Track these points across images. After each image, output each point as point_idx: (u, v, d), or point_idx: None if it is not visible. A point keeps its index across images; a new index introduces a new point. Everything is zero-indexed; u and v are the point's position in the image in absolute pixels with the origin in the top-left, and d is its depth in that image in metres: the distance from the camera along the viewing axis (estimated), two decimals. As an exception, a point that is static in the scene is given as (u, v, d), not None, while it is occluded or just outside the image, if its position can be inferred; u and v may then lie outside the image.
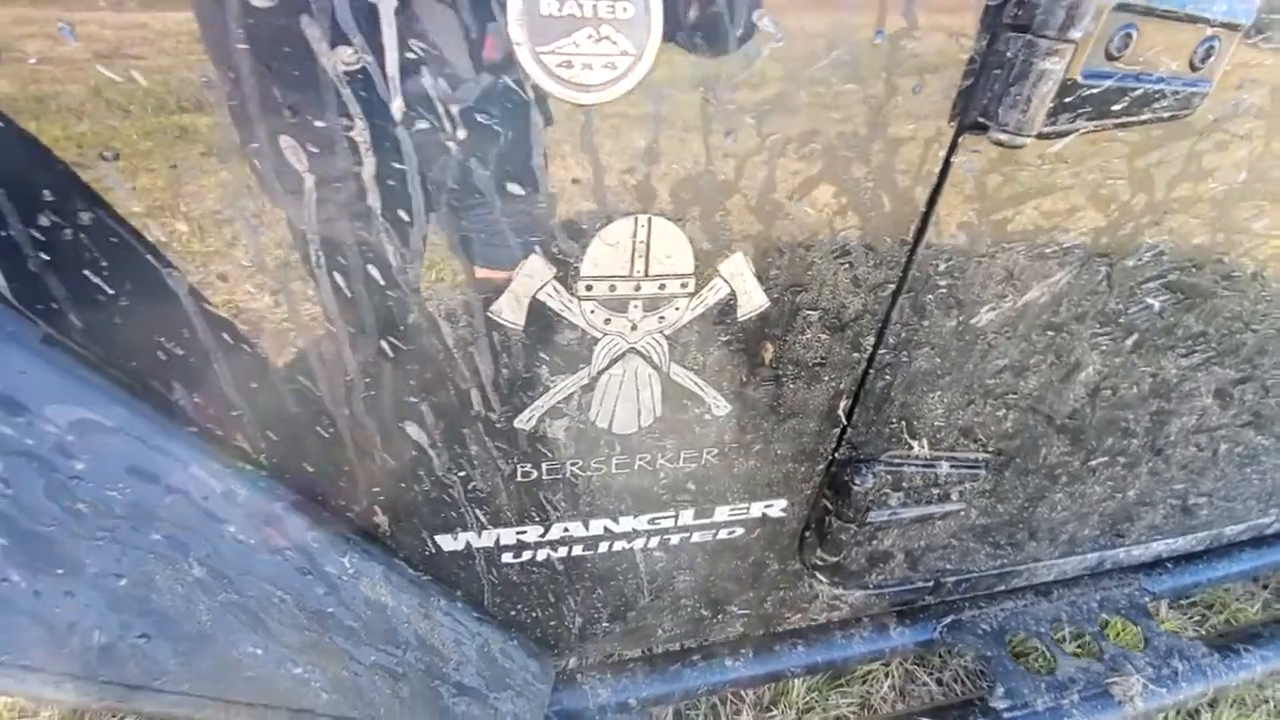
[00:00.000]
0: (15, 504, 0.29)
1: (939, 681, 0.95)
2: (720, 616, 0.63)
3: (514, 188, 0.32)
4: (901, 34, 0.32)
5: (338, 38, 0.26)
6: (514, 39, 0.27)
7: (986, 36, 0.33)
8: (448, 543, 0.47)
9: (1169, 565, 0.91)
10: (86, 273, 0.30)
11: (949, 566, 0.67)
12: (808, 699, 0.90)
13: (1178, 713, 0.91)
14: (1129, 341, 0.49)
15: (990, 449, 0.54)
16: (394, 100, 0.28)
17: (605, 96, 0.29)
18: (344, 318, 0.34)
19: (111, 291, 0.30)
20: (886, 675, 0.93)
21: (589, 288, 0.36)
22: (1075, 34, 0.30)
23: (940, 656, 0.97)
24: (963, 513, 0.58)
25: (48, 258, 0.29)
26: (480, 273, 0.34)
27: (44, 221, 0.28)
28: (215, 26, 0.26)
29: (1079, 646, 0.95)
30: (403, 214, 0.31)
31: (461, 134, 0.30)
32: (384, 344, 0.35)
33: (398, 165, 0.30)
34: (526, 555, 0.50)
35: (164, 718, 0.36)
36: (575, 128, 0.31)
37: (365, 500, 0.42)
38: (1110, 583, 0.87)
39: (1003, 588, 0.77)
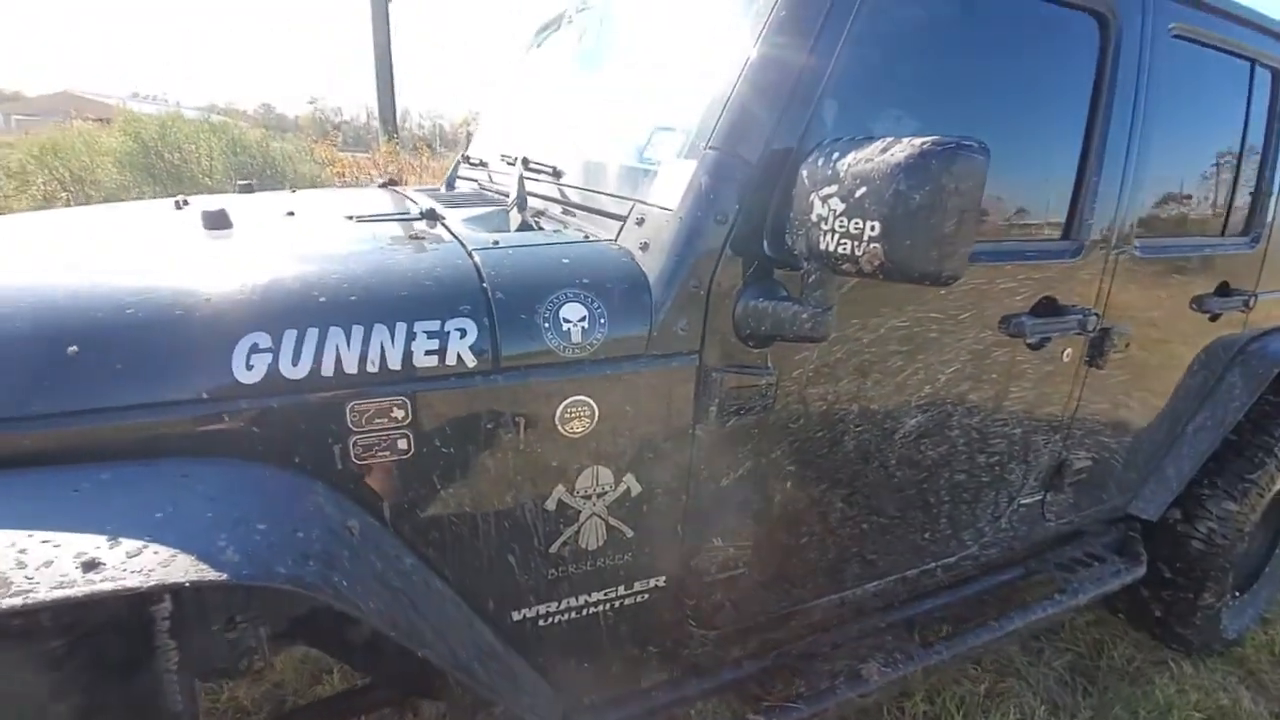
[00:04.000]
0: (352, 548, 0.86)
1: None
2: (645, 658, 1.21)
3: (554, 463, 0.97)
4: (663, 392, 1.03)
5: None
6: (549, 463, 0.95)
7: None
8: (516, 614, 1.04)
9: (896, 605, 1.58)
10: (418, 512, 0.91)
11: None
12: None
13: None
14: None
15: (753, 533, 1.20)
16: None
17: (581, 435, 0.97)
18: (498, 513, 0.96)
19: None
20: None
21: (577, 492, 1.01)
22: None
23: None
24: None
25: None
26: (540, 494, 0.98)
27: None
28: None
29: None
30: (518, 481, 0.96)
31: (525, 462, 0.96)
32: (504, 524, 0.97)
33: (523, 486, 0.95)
34: (549, 619, 1.08)
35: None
36: (571, 447, 0.98)
37: (483, 596, 1.00)
38: (874, 619, 1.53)
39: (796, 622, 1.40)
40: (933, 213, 0.81)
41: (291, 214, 1.31)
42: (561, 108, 1.69)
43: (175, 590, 0.82)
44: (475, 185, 1.88)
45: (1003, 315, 1.32)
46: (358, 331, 0.83)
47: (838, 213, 0.88)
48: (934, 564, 1.53)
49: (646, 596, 1.14)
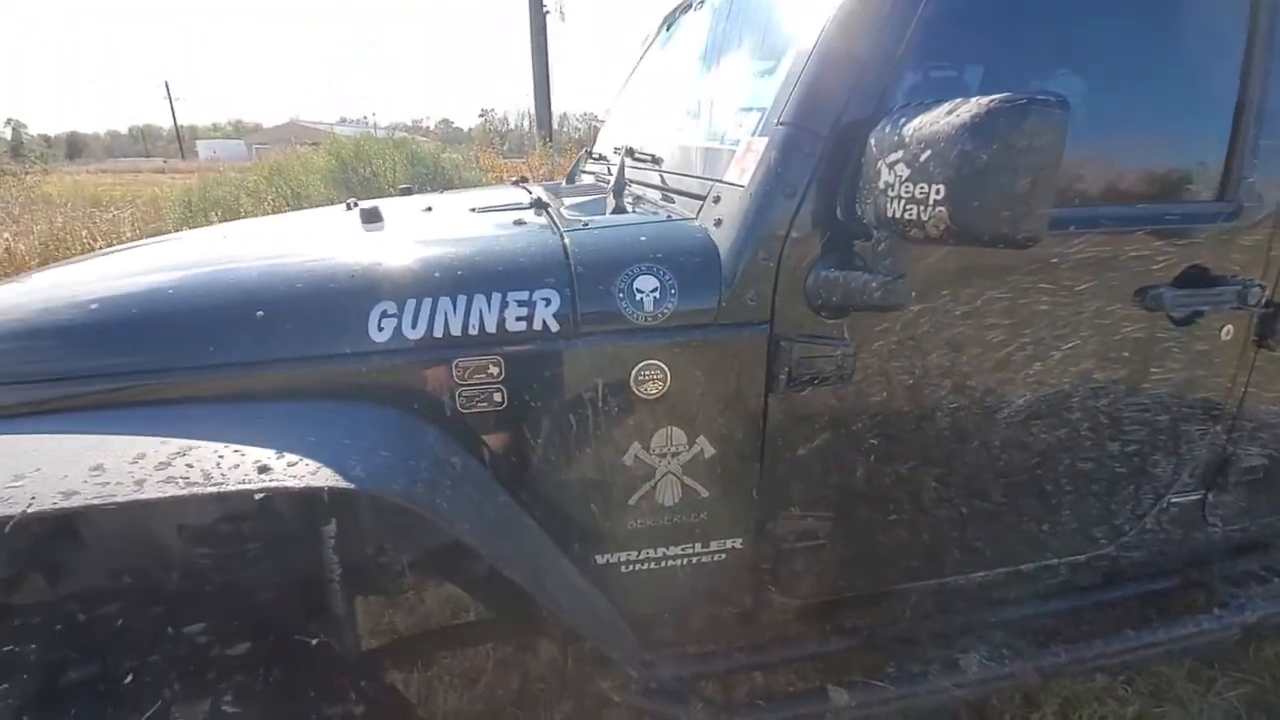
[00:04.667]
0: (454, 480, 1.01)
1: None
2: (725, 617, 1.26)
3: (631, 422, 1.07)
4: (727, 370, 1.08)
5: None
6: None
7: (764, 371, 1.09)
8: (600, 559, 1.16)
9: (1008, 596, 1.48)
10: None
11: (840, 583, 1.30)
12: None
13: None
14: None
15: (834, 506, 1.21)
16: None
17: (655, 397, 1.06)
18: (580, 463, 1.08)
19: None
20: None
21: (652, 450, 1.09)
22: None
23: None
24: (827, 543, 1.23)
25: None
26: (618, 449, 1.09)
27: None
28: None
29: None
30: (597, 435, 1.07)
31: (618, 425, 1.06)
32: (586, 474, 1.09)
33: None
34: (631, 567, 1.18)
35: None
36: (646, 407, 1.06)
37: (569, 538, 1.13)
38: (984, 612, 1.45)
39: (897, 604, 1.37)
40: (1002, 172, 0.79)
41: (429, 209, 1.54)
42: (666, 97, 1.78)
43: (336, 512, 1.03)
44: (593, 178, 2.03)
45: (1137, 287, 1.19)
46: (461, 300, 0.99)
47: (903, 178, 0.88)
48: (1056, 560, 1.41)
49: (724, 556, 1.20)
